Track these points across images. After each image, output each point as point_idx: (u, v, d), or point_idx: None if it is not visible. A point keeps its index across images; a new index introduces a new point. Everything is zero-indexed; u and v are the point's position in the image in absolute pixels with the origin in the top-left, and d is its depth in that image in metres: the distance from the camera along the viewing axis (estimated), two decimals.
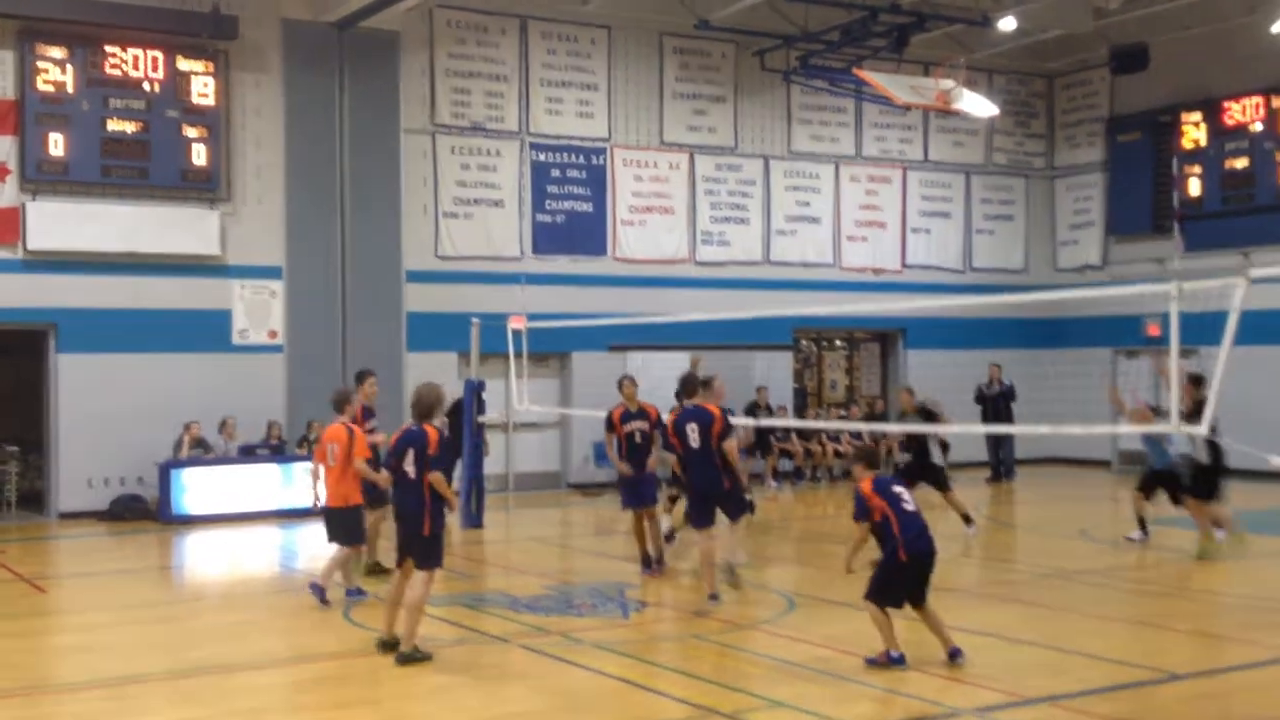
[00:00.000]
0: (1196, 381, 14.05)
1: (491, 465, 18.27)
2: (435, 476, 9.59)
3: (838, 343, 25.82)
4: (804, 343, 25.06)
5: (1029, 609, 11.56)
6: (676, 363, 19.12)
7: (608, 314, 19.87)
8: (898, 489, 9.41)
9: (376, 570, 12.64)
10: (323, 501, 11.79)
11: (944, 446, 23.09)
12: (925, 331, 24.47)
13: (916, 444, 15.72)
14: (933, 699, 8.45)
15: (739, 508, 12.21)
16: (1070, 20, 22.68)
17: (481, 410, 17.23)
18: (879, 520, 9.20)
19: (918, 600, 9.21)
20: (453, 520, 16.60)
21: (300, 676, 9.45)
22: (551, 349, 20.42)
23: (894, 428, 15.71)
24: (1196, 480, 14.35)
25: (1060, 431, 18.27)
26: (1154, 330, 21.18)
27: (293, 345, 19.43)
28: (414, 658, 9.36)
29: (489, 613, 11.36)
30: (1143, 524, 14.96)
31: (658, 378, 18.46)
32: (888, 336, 25.31)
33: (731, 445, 11.69)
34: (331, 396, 12.15)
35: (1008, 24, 21.81)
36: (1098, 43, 24.46)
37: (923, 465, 15.61)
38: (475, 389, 17.21)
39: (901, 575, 9.14)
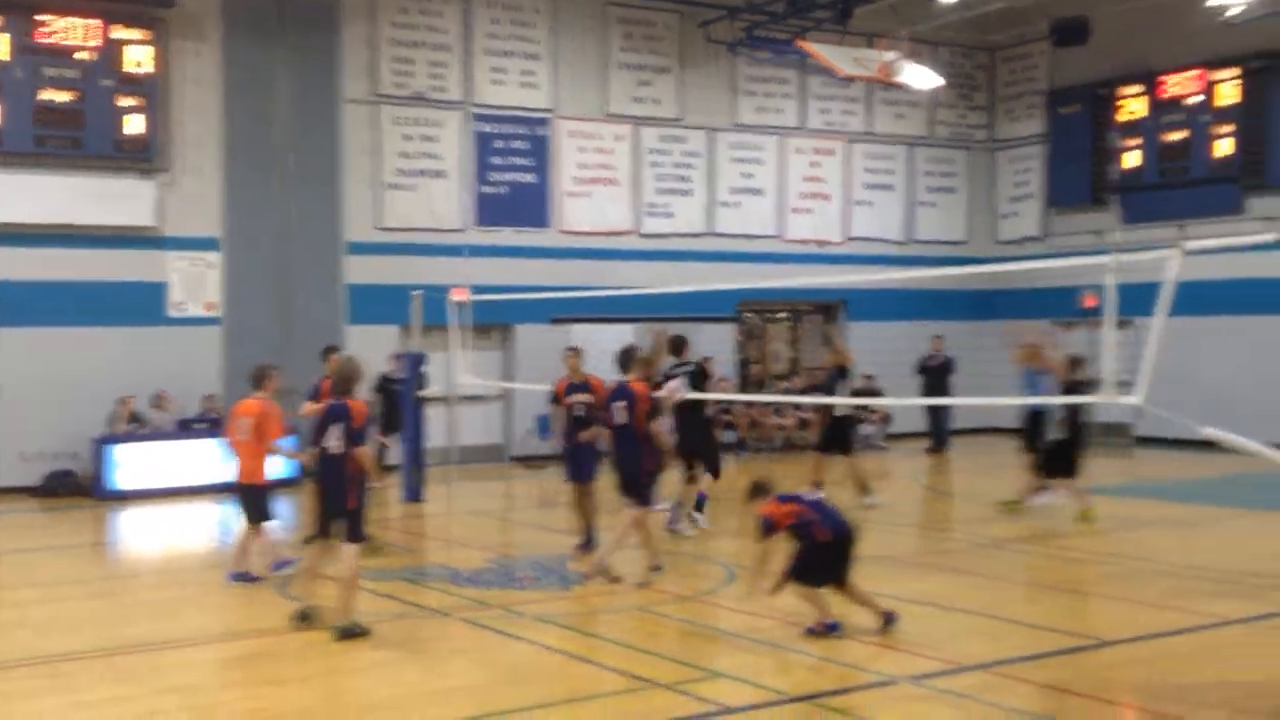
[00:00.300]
0: (1074, 363, 14.51)
1: (434, 438, 18.19)
2: (366, 452, 9.53)
3: (781, 315, 25.89)
4: (747, 315, 25.10)
5: (965, 577, 11.69)
6: (621, 335, 19.09)
7: (551, 286, 19.81)
8: (797, 492, 9.74)
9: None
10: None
11: (884, 419, 23.45)
12: (867, 303, 24.60)
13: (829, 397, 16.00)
14: (870, 667, 8.55)
15: (647, 494, 11.63)
16: None
17: (423, 384, 17.13)
18: (793, 523, 9.30)
19: (840, 580, 9.31)
20: (393, 494, 16.60)
21: (236, 653, 9.38)
22: (494, 321, 20.36)
23: (834, 400, 15.79)
24: (1054, 455, 14.68)
25: (995, 403, 18.45)
26: (1091, 302, 21.41)
27: (230, 318, 19.23)
28: (352, 632, 9.31)
29: (429, 587, 11.33)
30: (1040, 489, 15.17)
31: (602, 350, 18.42)
32: (830, 308, 25.41)
33: (658, 427, 11.56)
34: (251, 372, 12.00)
35: None
36: (1039, 15, 24.58)
37: (833, 424, 15.76)
38: (417, 362, 17.10)
39: (824, 555, 9.25)
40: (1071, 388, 14.29)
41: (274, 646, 9.34)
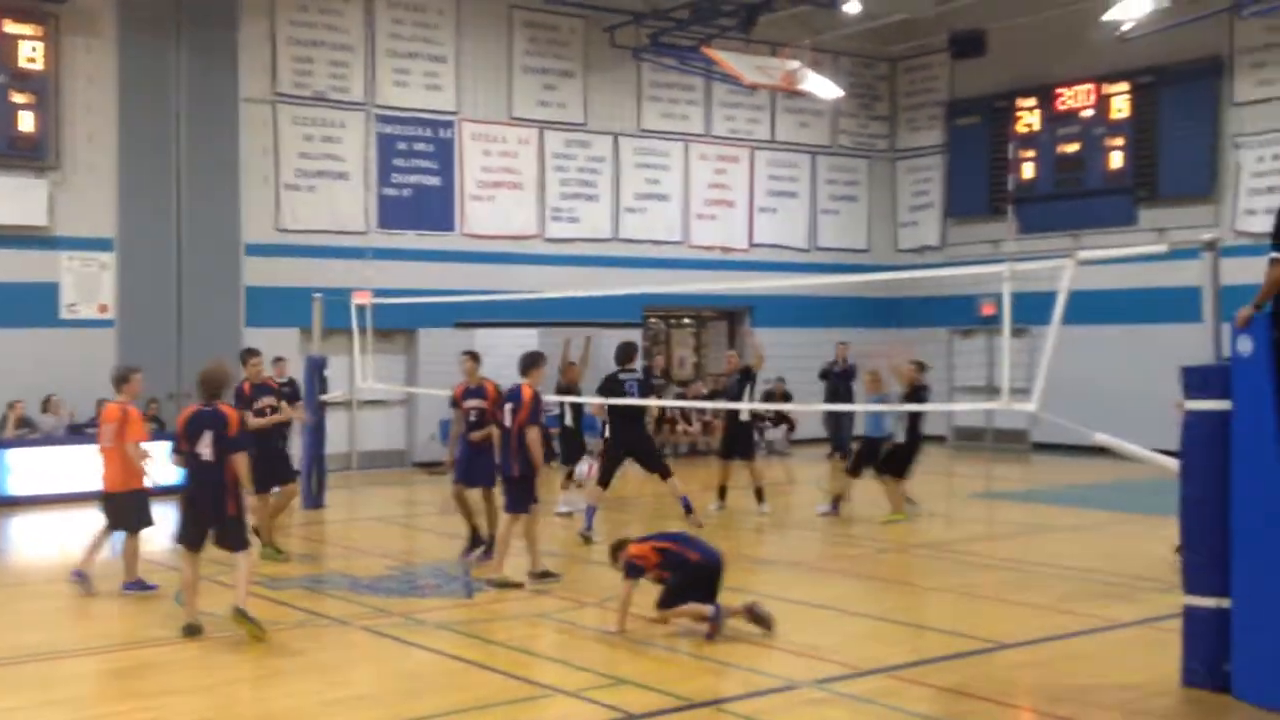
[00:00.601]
0: (920, 367, 15.17)
1: (334, 444, 17.95)
2: (242, 459, 9.39)
3: (685, 320, 26.00)
4: (652, 320, 25.16)
5: (865, 582, 11.83)
6: (525, 340, 19.02)
7: (455, 290, 19.66)
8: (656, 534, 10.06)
9: (274, 554, 12.54)
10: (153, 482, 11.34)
11: (788, 424, 23.65)
12: (771, 310, 24.78)
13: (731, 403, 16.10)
14: (772, 671, 8.58)
15: (519, 499, 11.46)
16: (912, 5, 23.13)
17: (324, 388, 16.89)
18: (660, 561, 9.49)
19: (708, 600, 9.40)
20: (293, 501, 16.30)
21: (130, 663, 9.14)
22: (397, 325, 20.14)
23: (738, 405, 15.85)
24: (891, 458, 15.11)
25: (896, 409, 18.71)
26: (989, 310, 21.83)
27: (125, 320, 18.79)
28: (251, 617, 9.21)
29: (329, 595, 11.16)
30: (836, 499, 15.53)
31: (507, 355, 18.31)
32: (734, 314, 25.57)
33: (534, 434, 11.38)
34: (112, 374, 11.63)
35: (852, 7, 22.14)
36: (938, 28, 25.01)
37: (735, 429, 15.82)
38: (318, 366, 16.86)
39: (693, 577, 9.43)
40: (915, 392, 14.72)
41: (169, 655, 9.12)
